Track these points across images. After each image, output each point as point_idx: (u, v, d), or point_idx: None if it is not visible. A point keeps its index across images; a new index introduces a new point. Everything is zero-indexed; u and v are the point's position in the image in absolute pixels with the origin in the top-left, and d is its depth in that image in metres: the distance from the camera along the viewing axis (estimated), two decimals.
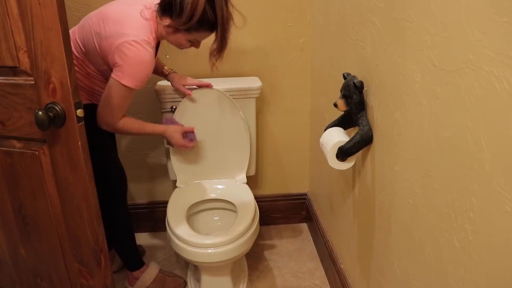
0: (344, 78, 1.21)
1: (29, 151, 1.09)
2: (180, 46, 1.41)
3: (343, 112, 1.27)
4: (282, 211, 2.15)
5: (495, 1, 0.63)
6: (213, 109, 1.70)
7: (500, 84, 0.63)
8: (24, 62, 0.99)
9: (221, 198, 1.71)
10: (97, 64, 1.35)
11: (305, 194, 2.13)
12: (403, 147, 0.98)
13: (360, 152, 1.23)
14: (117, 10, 1.30)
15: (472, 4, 0.68)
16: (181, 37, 1.35)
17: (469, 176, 0.73)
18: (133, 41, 1.24)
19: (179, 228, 1.47)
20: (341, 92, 1.19)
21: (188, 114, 1.69)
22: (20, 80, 1.02)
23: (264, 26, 1.79)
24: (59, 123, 0.99)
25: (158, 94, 1.70)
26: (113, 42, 1.24)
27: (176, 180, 1.78)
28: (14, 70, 1.02)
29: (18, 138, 1.09)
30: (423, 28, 0.84)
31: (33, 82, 1.00)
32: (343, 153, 1.15)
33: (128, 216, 1.60)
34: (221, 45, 1.35)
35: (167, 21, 1.31)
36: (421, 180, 0.91)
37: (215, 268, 1.53)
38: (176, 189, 1.74)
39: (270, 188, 2.12)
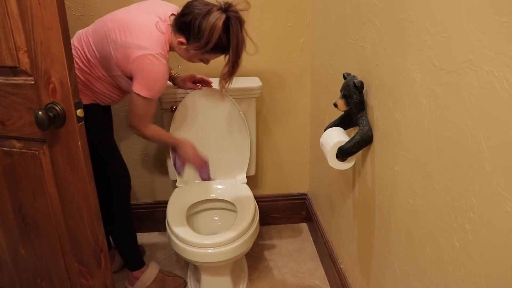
0: (344, 78, 1.21)
1: (29, 151, 1.09)
2: (190, 60, 1.44)
3: (343, 112, 1.27)
4: (282, 211, 2.15)
5: (495, 1, 0.63)
6: (213, 109, 1.70)
7: (500, 84, 0.63)
8: (24, 62, 0.99)
9: (221, 198, 1.71)
10: (109, 70, 1.37)
11: (305, 194, 2.13)
12: (403, 147, 0.98)
13: (360, 152, 1.23)
14: (134, 19, 1.32)
15: (472, 4, 0.68)
16: (192, 54, 1.38)
17: (469, 176, 0.73)
18: (150, 55, 1.28)
19: (179, 228, 1.47)
20: (341, 92, 1.19)
21: (188, 114, 1.69)
22: (20, 80, 1.02)
23: (264, 26, 1.79)
24: (59, 123, 0.99)
25: None
26: (131, 54, 1.28)
27: (176, 180, 1.78)
28: (14, 70, 1.02)
29: (18, 138, 1.09)
30: (423, 28, 0.84)
31: (33, 82, 1.00)
32: (343, 153, 1.15)
33: (130, 216, 1.60)
34: (232, 70, 1.39)
35: (181, 39, 1.34)
36: (421, 180, 0.91)
37: (215, 268, 1.53)
38: (176, 189, 1.74)
39: (270, 188, 2.12)
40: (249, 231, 1.49)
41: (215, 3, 1.31)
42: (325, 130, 1.27)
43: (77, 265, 1.19)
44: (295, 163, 2.07)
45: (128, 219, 1.59)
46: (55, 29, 0.92)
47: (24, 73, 1.01)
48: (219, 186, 1.76)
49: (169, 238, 1.51)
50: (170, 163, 1.77)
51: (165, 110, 1.72)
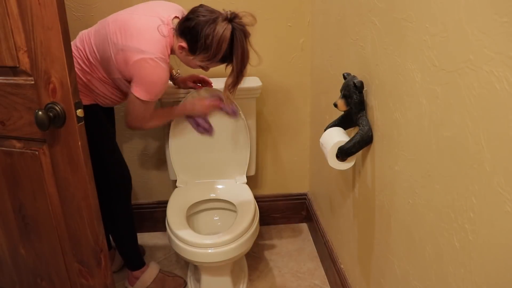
0: (344, 78, 1.21)
1: (29, 151, 1.09)
2: (189, 66, 1.44)
3: (343, 112, 1.27)
4: (282, 211, 2.15)
5: (495, 1, 0.63)
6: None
7: (500, 84, 0.63)
8: (24, 62, 0.99)
9: (221, 198, 1.71)
10: (109, 72, 1.36)
11: (305, 194, 2.13)
12: (403, 147, 0.98)
13: (360, 152, 1.22)
14: (136, 22, 1.32)
15: (472, 4, 0.68)
16: (193, 60, 1.37)
17: (469, 176, 0.73)
18: (150, 59, 1.27)
19: (179, 228, 1.47)
20: (341, 92, 1.19)
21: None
22: (20, 80, 1.02)
23: (264, 26, 1.79)
24: (59, 123, 0.99)
25: None
26: (130, 57, 1.28)
27: (176, 180, 1.78)
28: (14, 70, 1.02)
29: (18, 138, 1.09)
30: (423, 28, 0.84)
31: (33, 82, 1.00)
32: (343, 153, 1.15)
33: (131, 216, 1.60)
34: (236, 80, 1.39)
35: (182, 43, 1.33)
36: (421, 180, 0.91)
37: (215, 268, 1.53)
38: (176, 189, 1.74)
39: (270, 188, 2.12)
40: (249, 231, 1.49)
41: (221, 11, 1.31)
42: (325, 130, 1.27)
43: (77, 265, 1.19)
44: (295, 163, 2.07)
45: (129, 219, 1.59)
46: (55, 29, 0.92)
47: (24, 73, 1.01)
48: (219, 186, 1.76)
49: (169, 238, 1.51)
50: (170, 163, 1.77)
51: None
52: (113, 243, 1.71)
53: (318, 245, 1.92)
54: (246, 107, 1.74)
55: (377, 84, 1.10)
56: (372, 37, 1.12)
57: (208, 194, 1.73)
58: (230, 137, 1.74)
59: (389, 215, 1.09)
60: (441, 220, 0.83)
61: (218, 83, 1.67)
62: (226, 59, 1.35)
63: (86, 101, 1.37)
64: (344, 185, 1.47)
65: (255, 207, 1.61)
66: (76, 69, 1.14)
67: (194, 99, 1.62)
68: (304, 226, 2.16)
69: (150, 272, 1.67)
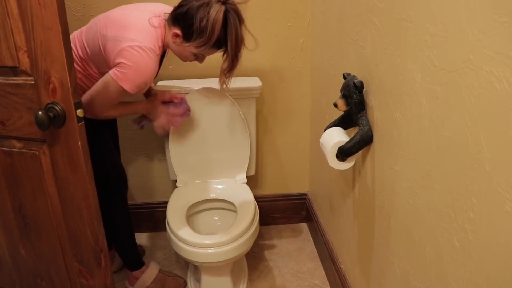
0: (344, 78, 1.21)
1: (29, 151, 1.09)
2: (184, 59, 1.40)
3: (343, 112, 1.27)
4: (282, 211, 2.15)
5: (495, 1, 0.63)
6: (213, 109, 1.70)
7: (500, 84, 0.63)
8: (24, 62, 0.99)
9: (221, 198, 1.71)
10: (100, 66, 1.34)
11: (305, 194, 2.13)
12: (403, 147, 0.98)
13: (360, 152, 1.23)
14: (125, 14, 1.30)
15: (472, 4, 0.68)
16: (188, 49, 1.33)
17: (469, 176, 0.73)
18: (137, 46, 1.23)
19: (179, 228, 1.47)
20: (341, 92, 1.19)
21: None
22: (20, 80, 1.02)
23: (264, 26, 1.79)
24: (59, 123, 0.99)
25: None
26: (118, 45, 1.23)
27: (176, 180, 1.78)
28: (14, 70, 1.02)
29: (18, 138, 1.09)
30: (423, 28, 0.84)
31: (33, 82, 1.00)
32: (343, 153, 1.15)
33: (128, 216, 1.60)
34: (232, 65, 1.34)
35: (176, 30, 1.29)
36: (421, 180, 0.91)
37: (215, 268, 1.53)
38: (176, 189, 1.74)
39: (270, 188, 2.12)
40: (249, 231, 1.49)
41: None
42: (325, 130, 1.27)
43: (77, 265, 1.19)
44: (295, 163, 2.08)
45: (126, 219, 1.59)
46: (55, 29, 0.92)
47: (24, 73, 1.01)
48: (219, 186, 1.76)
49: (169, 238, 1.51)
50: (170, 163, 1.76)
51: None
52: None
53: (318, 245, 1.92)
54: (246, 107, 1.74)
55: (377, 84, 1.10)
56: (372, 37, 1.12)
57: (208, 194, 1.73)
58: (230, 137, 1.74)
59: (389, 215, 1.09)
60: (441, 220, 0.83)
61: (218, 84, 1.67)
62: (221, 44, 1.30)
63: None
64: (344, 185, 1.47)
65: (255, 207, 1.61)
66: (74, 68, 1.13)
67: (160, 107, 1.54)
68: (304, 226, 2.16)
69: (150, 272, 1.67)
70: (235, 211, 1.66)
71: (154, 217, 2.08)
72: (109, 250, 1.73)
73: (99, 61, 1.32)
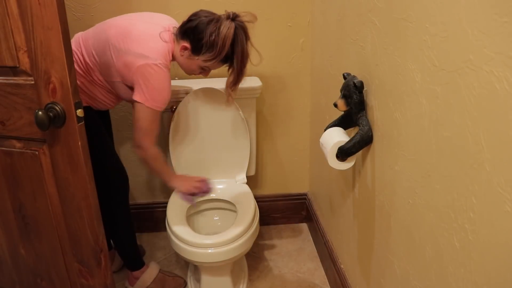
0: (344, 78, 1.21)
1: (29, 151, 1.09)
2: (190, 72, 1.44)
3: (343, 112, 1.27)
4: (282, 211, 2.15)
5: (495, 1, 0.63)
6: (213, 109, 1.70)
7: (500, 84, 0.63)
8: (24, 62, 0.99)
9: (221, 198, 1.71)
10: (108, 75, 1.36)
11: (305, 194, 2.13)
12: (403, 147, 0.98)
13: (360, 152, 1.23)
14: (138, 27, 1.33)
15: (472, 4, 0.68)
16: (196, 62, 1.37)
17: (469, 176, 0.73)
18: (154, 64, 1.28)
19: (179, 228, 1.47)
20: (341, 92, 1.19)
21: (188, 114, 1.69)
22: (20, 80, 1.02)
23: (264, 26, 1.79)
24: (59, 123, 0.99)
25: None
26: (133, 62, 1.28)
27: None
28: (14, 70, 1.02)
29: (18, 138, 1.09)
30: (423, 28, 0.84)
31: (33, 82, 1.00)
32: (343, 153, 1.15)
33: (129, 216, 1.60)
34: (237, 79, 1.40)
35: (185, 43, 1.33)
36: (421, 180, 0.91)
37: (215, 268, 1.53)
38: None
39: (270, 188, 2.12)
40: (249, 231, 1.49)
41: (222, 13, 1.32)
42: (325, 130, 1.27)
43: (77, 265, 1.19)
44: (295, 163, 2.07)
45: (127, 219, 1.59)
46: (55, 29, 0.92)
47: (24, 73, 1.01)
48: (219, 186, 1.76)
49: (169, 238, 1.51)
50: (170, 163, 1.76)
51: (165, 110, 1.72)
52: (113, 244, 1.70)
53: (318, 245, 1.92)
54: (246, 107, 1.74)
55: (377, 84, 1.10)
56: (372, 37, 1.12)
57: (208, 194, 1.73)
58: (230, 137, 1.74)
59: (389, 215, 1.09)
60: (441, 220, 0.83)
61: (218, 84, 1.68)
62: (228, 58, 1.35)
63: None
64: (344, 185, 1.47)
65: (255, 207, 1.61)
66: (74, 68, 1.14)
67: (185, 179, 1.59)
68: (304, 226, 2.16)
69: (150, 272, 1.67)
70: (235, 211, 1.66)
71: (154, 217, 2.08)
72: (109, 250, 1.73)
73: (108, 70, 1.35)
